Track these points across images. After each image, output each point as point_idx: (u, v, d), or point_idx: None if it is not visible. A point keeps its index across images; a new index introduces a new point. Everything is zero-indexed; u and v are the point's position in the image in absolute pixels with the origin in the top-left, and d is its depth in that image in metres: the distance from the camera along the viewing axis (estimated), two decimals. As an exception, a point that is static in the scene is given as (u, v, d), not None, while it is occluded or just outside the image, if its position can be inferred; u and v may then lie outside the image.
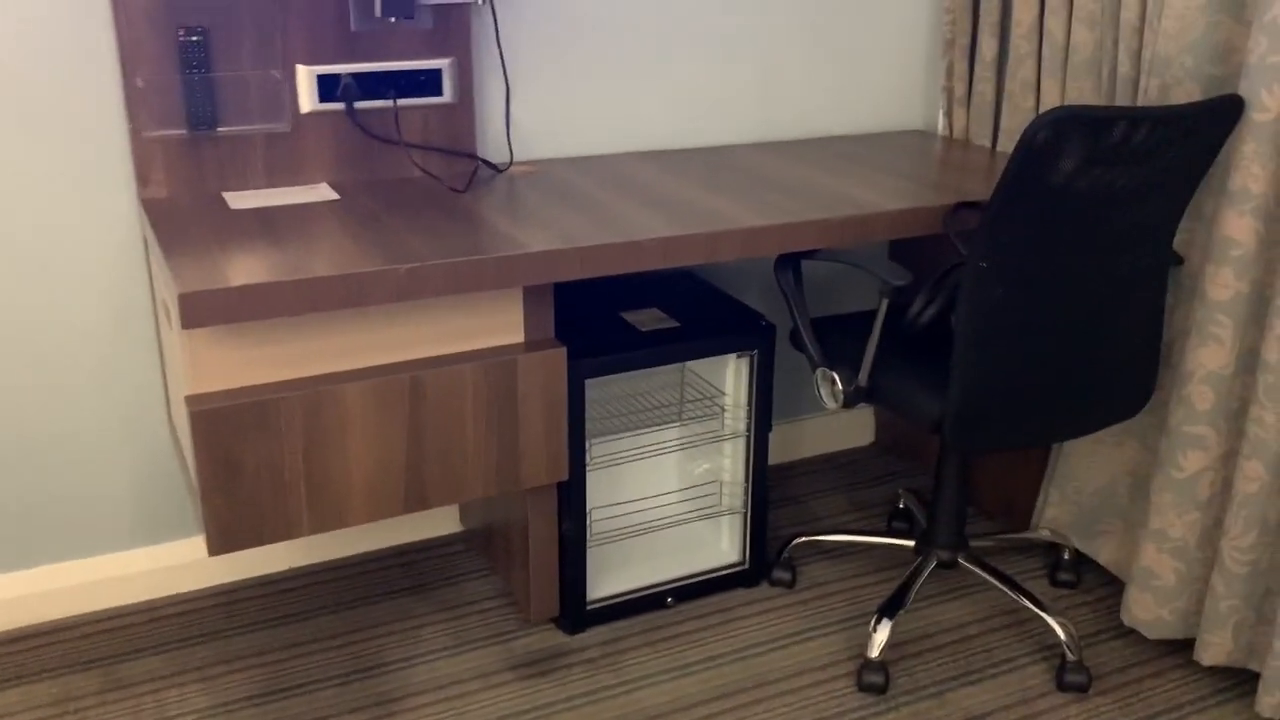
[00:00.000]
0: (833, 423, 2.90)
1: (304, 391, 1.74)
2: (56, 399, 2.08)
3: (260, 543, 1.79)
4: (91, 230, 2.02)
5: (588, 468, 2.13)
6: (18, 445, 2.08)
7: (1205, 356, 1.93)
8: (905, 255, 2.70)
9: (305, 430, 1.76)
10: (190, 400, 1.70)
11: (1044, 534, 2.35)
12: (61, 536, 2.17)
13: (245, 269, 1.64)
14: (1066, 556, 2.34)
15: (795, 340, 2.09)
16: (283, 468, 1.76)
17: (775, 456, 2.85)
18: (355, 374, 1.79)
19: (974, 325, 1.77)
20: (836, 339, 2.10)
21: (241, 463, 1.73)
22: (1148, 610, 2.10)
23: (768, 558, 2.38)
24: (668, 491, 2.45)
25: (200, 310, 1.56)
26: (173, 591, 2.27)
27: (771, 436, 2.82)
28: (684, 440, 2.40)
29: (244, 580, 2.32)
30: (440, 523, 2.50)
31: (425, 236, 1.81)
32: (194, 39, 1.93)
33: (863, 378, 1.97)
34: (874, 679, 2.02)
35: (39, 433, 2.09)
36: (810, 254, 2.00)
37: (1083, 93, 2.21)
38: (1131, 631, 2.20)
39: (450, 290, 1.71)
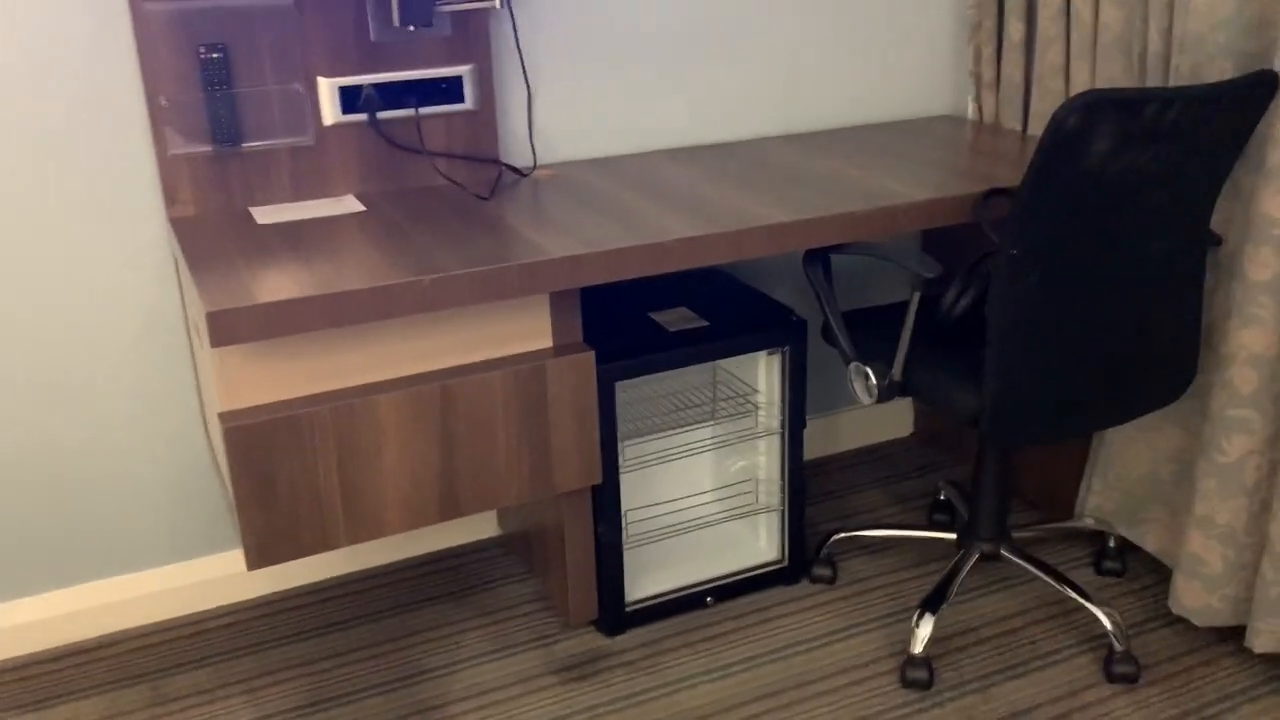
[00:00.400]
0: (870, 415, 2.87)
1: (336, 404, 1.75)
2: (94, 419, 2.11)
3: (298, 556, 1.80)
4: (122, 251, 2.04)
5: (621, 470, 2.12)
6: (57, 465, 2.11)
7: (1247, 338, 1.89)
8: (940, 245, 2.67)
9: (338, 443, 1.76)
10: (224, 417, 1.71)
11: (1088, 522, 2.31)
12: (104, 553, 2.19)
13: (272, 285, 1.64)
14: (1112, 544, 2.30)
15: (827, 335, 2.07)
16: (318, 481, 1.77)
17: (812, 451, 2.83)
18: (386, 385, 1.80)
19: (1007, 316, 1.75)
20: (869, 333, 2.07)
21: (276, 477, 1.74)
22: (1196, 598, 2.06)
23: (807, 555, 2.36)
24: (704, 491, 2.44)
25: (228, 328, 1.57)
26: (216, 604, 2.29)
27: (808, 431, 2.80)
28: (718, 439, 2.39)
29: (286, 591, 2.34)
30: (478, 527, 2.50)
31: (450, 246, 1.81)
32: (215, 56, 1.94)
33: (897, 372, 1.95)
34: (918, 675, 2.00)
35: (78, 452, 2.11)
36: (838, 248, 1.97)
37: (1113, 74, 2.17)
38: (1180, 620, 2.16)
39: (475, 300, 1.70)
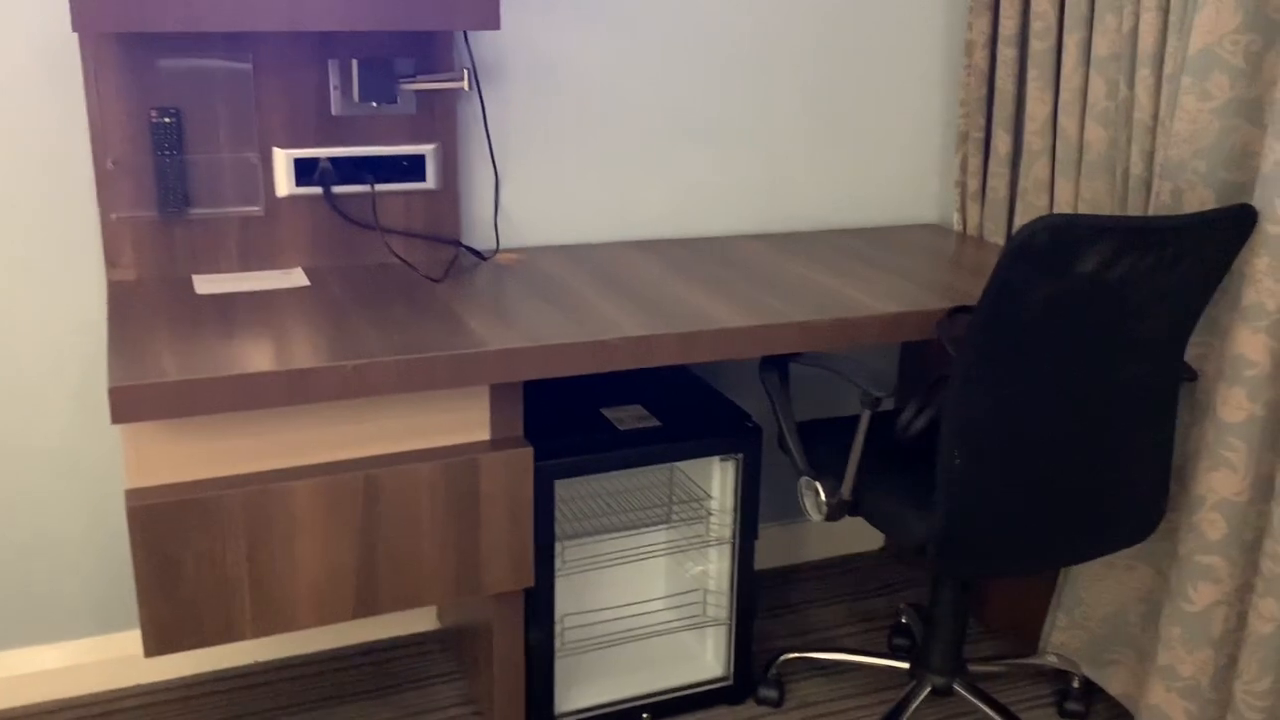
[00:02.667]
0: (838, 526, 2.77)
1: (249, 489, 1.66)
2: (16, 481, 2.03)
3: (200, 645, 1.70)
4: (60, 310, 1.98)
5: (559, 573, 2.02)
6: (-24, 527, 2.03)
7: (1217, 481, 1.79)
8: (919, 360, 2.58)
9: (249, 529, 1.68)
10: (129, 495, 1.63)
11: (1051, 660, 2.19)
12: (21, 622, 2.10)
13: (186, 362, 1.57)
14: (1075, 685, 2.18)
15: (782, 444, 1.99)
16: (225, 568, 1.68)
17: (775, 559, 2.72)
18: (305, 470, 1.71)
19: (959, 439, 1.66)
20: (825, 446, 1.98)
21: (181, 561, 1.65)
22: (1157, 753, 1.94)
23: (754, 673, 2.24)
24: (652, 599, 2.34)
25: (131, 404, 1.50)
26: (130, 683, 2.19)
27: (772, 538, 2.69)
28: (670, 544, 2.29)
29: (205, 674, 2.23)
30: (416, 620, 2.40)
31: (386, 329, 1.73)
32: (167, 120, 1.90)
33: (846, 490, 1.85)
34: (853, 816, 1.88)
35: (1, 517, 2.04)
36: (794, 356, 1.89)
37: (1096, 193, 2.10)
38: (1141, 773, 2.03)
39: (400, 389, 1.63)
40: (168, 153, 1.92)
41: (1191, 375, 1.89)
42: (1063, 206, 2.20)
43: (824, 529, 2.75)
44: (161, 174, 1.92)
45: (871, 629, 2.47)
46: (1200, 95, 1.79)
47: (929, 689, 2.04)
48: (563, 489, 2.22)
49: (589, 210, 2.30)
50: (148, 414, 1.51)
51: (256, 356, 1.60)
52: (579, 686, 2.13)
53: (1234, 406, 1.75)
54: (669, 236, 2.39)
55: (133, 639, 2.18)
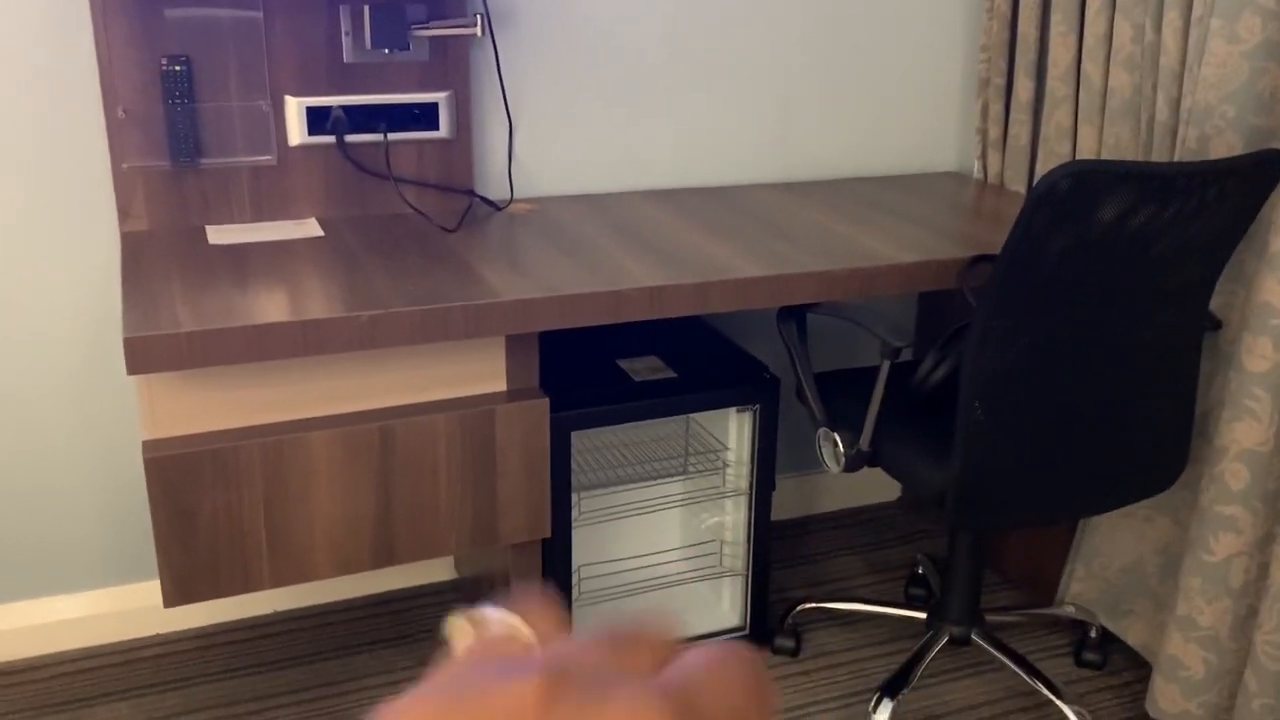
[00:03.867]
0: (855, 477, 2.76)
1: (265, 439, 1.66)
2: (32, 434, 2.03)
3: (218, 595, 1.71)
4: (72, 262, 1.97)
5: (575, 523, 2.02)
6: (-6, 479, 2.04)
7: (1240, 432, 1.77)
8: (937, 310, 2.56)
9: (266, 480, 1.67)
10: (146, 446, 1.63)
11: (1069, 610, 2.19)
12: (36, 572, 2.11)
13: (200, 312, 1.56)
14: (1093, 635, 2.17)
15: (800, 395, 1.97)
16: (242, 518, 1.68)
17: (791, 511, 2.72)
18: (321, 421, 1.71)
19: (979, 391, 1.64)
20: (842, 397, 1.97)
21: (198, 512, 1.65)
22: (1174, 702, 1.93)
23: (770, 623, 2.25)
24: (668, 549, 2.34)
25: (145, 356, 1.49)
26: (148, 633, 2.20)
27: (789, 489, 2.69)
28: (686, 495, 2.28)
29: (222, 624, 2.25)
30: (434, 570, 2.40)
31: (400, 279, 1.72)
32: (177, 68, 1.88)
33: (864, 441, 1.84)
34: (870, 764, 1.88)
35: (13, 467, 2.04)
36: (812, 306, 1.87)
37: (1120, 139, 2.07)
38: (1158, 723, 2.03)
39: (416, 340, 1.61)
40: (178, 101, 1.89)
41: (1215, 324, 1.87)
42: (1086, 153, 2.16)
43: (839, 481, 2.74)
44: (172, 123, 1.90)
45: (887, 580, 2.47)
46: (1230, 38, 1.75)
47: (947, 638, 2.04)
48: (578, 440, 2.21)
49: (603, 159, 2.27)
50: (163, 365, 1.50)
51: (271, 307, 1.59)
52: (595, 636, 2.13)
53: (1259, 356, 1.73)
54: (684, 185, 2.36)
55: (150, 589, 2.19)
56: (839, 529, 2.67)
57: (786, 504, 2.70)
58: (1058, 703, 1.92)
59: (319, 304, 1.61)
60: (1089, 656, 2.17)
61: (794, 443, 2.66)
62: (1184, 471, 1.94)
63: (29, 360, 1.99)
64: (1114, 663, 2.19)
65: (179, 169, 1.94)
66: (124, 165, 1.90)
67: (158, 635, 2.20)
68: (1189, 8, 1.87)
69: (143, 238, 1.90)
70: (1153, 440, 1.78)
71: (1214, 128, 1.80)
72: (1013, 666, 2.01)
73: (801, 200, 2.27)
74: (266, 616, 2.27)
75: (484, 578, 2.19)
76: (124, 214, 1.93)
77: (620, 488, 2.20)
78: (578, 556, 2.23)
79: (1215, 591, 1.85)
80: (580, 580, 2.19)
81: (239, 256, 1.81)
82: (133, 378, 2.06)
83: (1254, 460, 1.77)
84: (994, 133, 2.40)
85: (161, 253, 1.83)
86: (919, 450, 1.79)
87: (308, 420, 1.71)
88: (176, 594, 1.69)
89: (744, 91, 2.34)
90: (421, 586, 2.39)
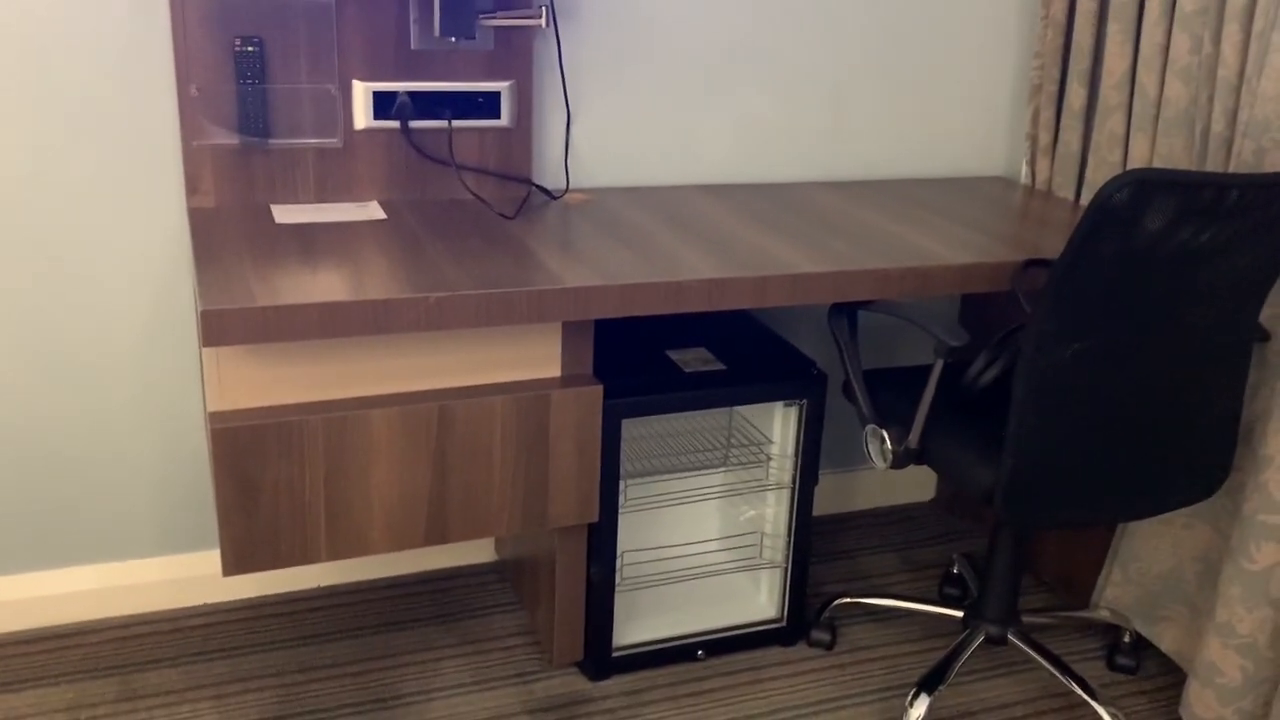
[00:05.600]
0: (892, 476, 2.78)
1: (329, 415, 1.70)
2: (94, 400, 2.08)
3: (276, 566, 1.75)
4: (139, 235, 2.01)
5: (621, 510, 2.05)
6: (52, 443, 2.08)
7: (1287, 442, 1.79)
8: (980, 312, 2.58)
9: (327, 454, 1.71)
10: (213, 418, 1.67)
11: (1103, 614, 2.21)
12: (92, 539, 2.16)
13: (273, 288, 1.60)
14: (1127, 639, 2.19)
15: (847, 392, 2.00)
16: (304, 492, 1.72)
17: (829, 507, 2.74)
18: (382, 400, 1.75)
19: (1033, 392, 1.66)
20: (890, 395, 1.99)
21: (261, 484, 1.69)
22: (1209, 708, 1.95)
23: (807, 616, 2.27)
24: (708, 539, 2.37)
25: (221, 328, 1.53)
26: (198, 602, 2.25)
27: (826, 486, 2.72)
28: (729, 487, 2.31)
29: (270, 596, 2.29)
30: (475, 551, 2.44)
31: (463, 264, 1.75)
32: (250, 49, 1.91)
33: (913, 439, 1.87)
34: (906, 757, 1.91)
35: (73, 435, 2.08)
36: (865, 304, 1.90)
37: (1173, 150, 2.09)
38: (1191, 728, 2.05)
39: (478, 323, 1.65)
40: (249, 82, 1.93)
41: (1264, 336, 1.89)
42: (1137, 162, 2.18)
43: (875, 479, 2.76)
44: (243, 103, 1.94)
45: (922, 578, 2.49)
46: (1290, 52, 1.77)
47: (983, 637, 2.06)
48: (627, 428, 2.24)
49: (658, 152, 2.31)
50: (237, 338, 1.54)
51: (340, 286, 1.63)
52: (636, 621, 2.17)
53: (1309, 368, 1.75)
54: (736, 181, 2.39)
55: (201, 559, 2.23)
56: (875, 526, 2.70)
57: (824, 500, 2.73)
58: (1092, 704, 1.94)
59: (386, 284, 1.64)
60: (1122, 661, 2.19)
61: (833, 440, 2.69)
62: (1227, 480, 1.96)
63: (93, 330, 2.03)
64: (1146, 668, 2.21)
65: (247, 148, 1.98)
66: (194, 142, 1.94)
67: (207, 605, 2.25)
68: (1250, 21, 1.88)
69: (210, 214, 1.94)
70: (1198, 447, 1.80)
71: (1271, 141, 1.82)
72: (1048, 667, 2.03)
73: (853, 199, 2.29)
74: (312, 591, 2.31)
75: (525, 561, 2.23)
76: (192, 190, 1.97)
77: (664, 476, 2.23)
78: (622, 542, 2.27)
79: (1255, 600, 1.87)
80: (624, 566, 2.22)
81: (305, 236, 1.85)
82: (196, 350, 2.10)
83: (1300, 471, 1.79)
84: (1044, 139, 2.42)
85: (230, 229, 1.87)
86: (968, 448, 1.82)
87: (369, 398, 1.75)
88: (236, 563, 1.74)
89: (799, 91, 2.37)
90: (462, 567, 2.43)
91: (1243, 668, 1.90)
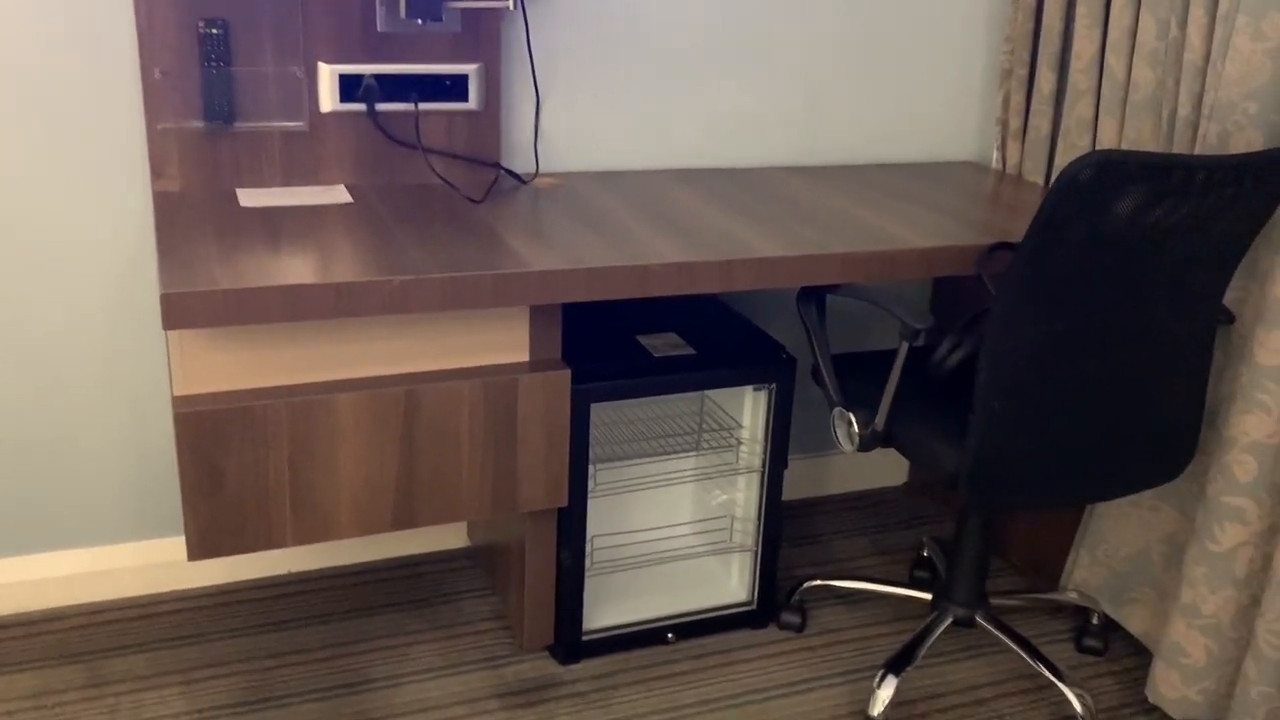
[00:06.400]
0: (863, 460, 2.79)
1: (294, 399, 1.69)
2: (61, 386, 2.06)
3: (242, 551, 1.74)
4: (104, 219, 1.99)
5: (591, 494, 2.05)
6: (19, 432, 2.07)
7: (1250, 424, 1.80)
8: (951, 296, 2.59)
9: (293, 439, 1.71)
10: (177, 402, 1.66)
11: (1071, 596, 2.22)
12: (61, 525, 2.15)
13: (235, 271, 1.59)
14: (1094, 621, 2.21)
15: (816, 376, 2.00)
16: (268, 476, 1.71)
17: (800, 491, 2.75)
18: (348, 384, 1.74)
19: (997, 375, 1.67)
20: (858, 378, 2.00)
21: (226, 468, 1.69)
22: (1174, 689, 1.97)
23: (777, 599, 2.28)
24: (679, 523, 2.37)
25: (182, 311, 1.52)
26: (167, 588, 2.24)
27: (798, 470, 2.72)
28: (699, 471, 2.32)
29: (239, 582, 2.28)
30: (446, 537, 2.44)
31: (430, 247, 1.75)
32: (214, 31, 1.90)
33: (880, 422, 1.87)
34: (873, 739, 1.92)
35: (40, 420, 2.07)
36: (833, 288, 1.90)
37: (1141, 134, 2.09)
38: (1157, 709, 2.06)
39: (444, 306, 1.64)
40: (214, 64, 1.92)
41: (1229, 318, 1.90)
42: (1106, 146, 2.18)
43: (847, 463, 2.77)
44: (208, 86, 1.93)
45: (893, 561, 2.50)
46: (1254, 35, 1.77)
47: (951, 619, 2.08)
48: (597, 413, 2.24)
49: (628, 137, 2.30)
50: (198, 321, 1.53)
51: (304, 269, 1.62)
52: (606, 605, 2.17)
53: (1271, 350, 1.76)
54: (706, 166, 2.39)
55: (170, 545, 2.23)
56: (846, 510, 2.71)
57: (795, 484, 2.73)
58: (1060, 685, 1.95)
59: (351, 268, 1.64)
60: (1090, 643, 2.21)
61: (805, 424, 2.69)
62: (1192, 462, 1.97)
63: (60, 316, 2.02)
64: (1114, 650, 2.22)
65: (212, 131, 1.96)
66: (159, 126, 1.93)
67: (176, 591, 2.24)
68: (1214, 5, 1.89)
69: (175, 198, 1.93)
70: (1164, 430, 1.81)
71: (1235, 124, 1.83)
72: (1016, 649, 2.04)
73: (823, 184, 2.29)
74: (282, 577, 2.31)
75: (496, 546, 2.23)
76: (157, 174, 1.96)
77: (635, 461, 2.24)
78: (592, 527, 2.27)
79: (1220, 581, 1.88)
80: (594, 550, 2.22)
81: (270, 219, 1.84)
82: (163, 334, 2.09)
83: (1262, 452, 1.80)
84: (1014, 123, 2.43)
85: (194, 213, 1.85)
86: (933, 431, 1.82)
87: (335, 382, 1.74)
88: (201, 548, 1.73)
89: (770, 76, 2.36)
90: (434, 553, 2.43)
91: (1207, 648, 1.92)
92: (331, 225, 1.83)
